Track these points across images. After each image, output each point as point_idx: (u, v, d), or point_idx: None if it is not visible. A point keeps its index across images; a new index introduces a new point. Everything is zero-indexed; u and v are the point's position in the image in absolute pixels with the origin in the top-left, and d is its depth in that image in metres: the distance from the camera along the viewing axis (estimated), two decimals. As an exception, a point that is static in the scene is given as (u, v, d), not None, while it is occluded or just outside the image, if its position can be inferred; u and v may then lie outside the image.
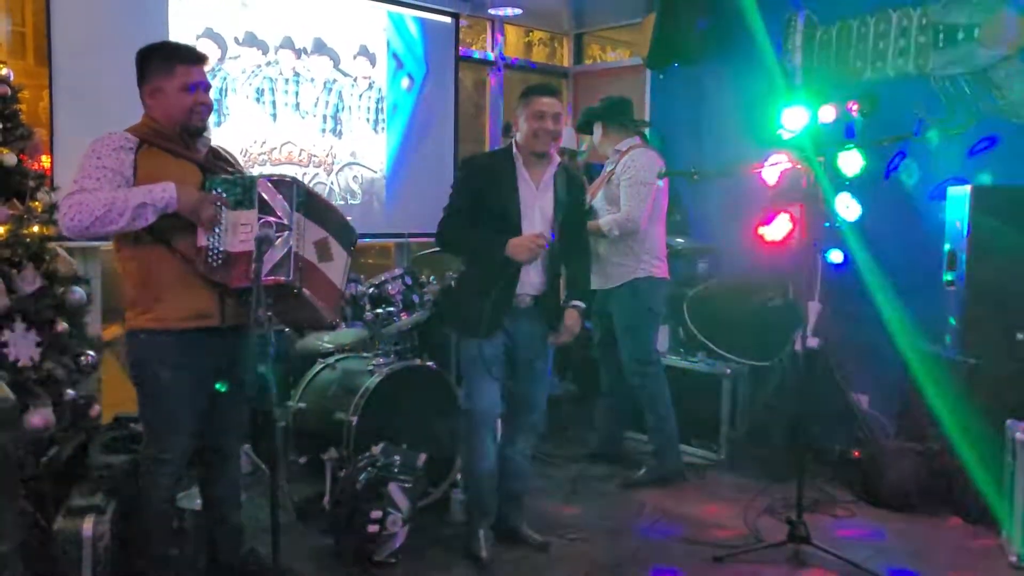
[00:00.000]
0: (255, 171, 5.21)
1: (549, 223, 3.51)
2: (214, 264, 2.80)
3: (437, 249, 3.80)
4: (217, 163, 3.01)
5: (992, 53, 4.55)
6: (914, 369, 4.45)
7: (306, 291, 2.84)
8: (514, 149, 3.52)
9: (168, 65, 2.89)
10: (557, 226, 3.53)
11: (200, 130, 2.97)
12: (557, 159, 3.59)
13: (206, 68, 3.00)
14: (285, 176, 2.92)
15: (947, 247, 4.32)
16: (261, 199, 2.80)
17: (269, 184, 2.82)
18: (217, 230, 2.79)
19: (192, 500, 3.39)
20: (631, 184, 4.36)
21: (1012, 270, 4.03)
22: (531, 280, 3.51)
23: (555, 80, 7.42)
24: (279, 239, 2.76)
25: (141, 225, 2.74)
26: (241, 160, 5.16)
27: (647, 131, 4.97)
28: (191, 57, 2.95)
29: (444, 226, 3.55)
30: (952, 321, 4.25)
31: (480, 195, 3.47)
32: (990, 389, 4.01)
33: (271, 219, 2.77)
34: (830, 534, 3.83)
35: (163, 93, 2.89)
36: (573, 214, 3.63)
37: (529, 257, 3.39)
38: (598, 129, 4.65)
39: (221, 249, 2.79)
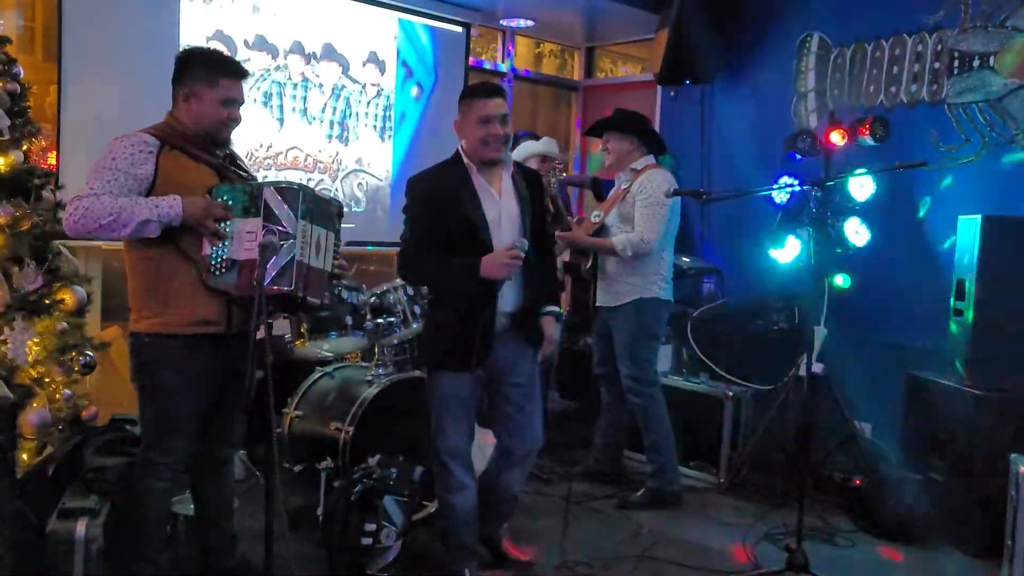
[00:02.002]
0: (260, 175, 5.22)
1: (519, 231, 3.25)
2: (216, 273, 2.79)
3: None
4: (232, 168, 3.00)
5: (1007, 82, 4.53)
6: (919, 398, 4.42)
7: (311, 299, 2.82)
8: (464, 159, 3.25)
9: (212, 75, 2.88)
10: (528, 232, 3.26)
11: (225, 143, 2.99)
12: (511, 161, 3.35)
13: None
14: (292, 184, 2.90)
15: (956, 276, 4.29)
16: (267, 207, 2.78)
17: (275, 192, 2.80)
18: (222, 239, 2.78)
19: (186, 506, 3.36)
20: (648, 205, 4.31)
21: (1021, 301, 3.99)
22: (507, 297, 3.24)
23: (566, 93, 7.43)
24: (282, 247, 2.74)
25: (145, 236, 2.74)
26: (246, 164, 5.17)
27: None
28: (237, 72, 2.96)
29: (407, 257, 3.28)
30: (959, 351, 4.21)
31: (440, 215, 3.19)
32: (996, 421, 3.97)
33: (276, 228, 2.75)
34: (829, 563, 3.78)
35: (199, 100, 2.87)
36: (535, 215, 3.35)
37: (507, 273, 3.12)
38: (626, 142, 4.50)
39: (225, 257, 2.78)
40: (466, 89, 3.34)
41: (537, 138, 5.61)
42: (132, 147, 2.76)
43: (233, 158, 3.06)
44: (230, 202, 2.79)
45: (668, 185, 4.28)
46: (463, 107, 3.23)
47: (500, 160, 3.25)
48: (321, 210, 2.95)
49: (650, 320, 4.43)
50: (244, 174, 3.04)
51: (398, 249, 3.34)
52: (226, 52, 3.20)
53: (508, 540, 3.75)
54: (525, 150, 5.09)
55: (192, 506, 3.28)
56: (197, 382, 2.90)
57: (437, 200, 3.21)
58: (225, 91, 2.89)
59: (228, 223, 2.79)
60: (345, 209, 3.38)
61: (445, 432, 3.31)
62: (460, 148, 3.29)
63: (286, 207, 2.78)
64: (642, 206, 4.32)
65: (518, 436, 3.45)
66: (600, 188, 5.01)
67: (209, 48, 3.07)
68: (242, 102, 2.97)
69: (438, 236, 3.20)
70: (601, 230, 4.51)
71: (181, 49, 2.99)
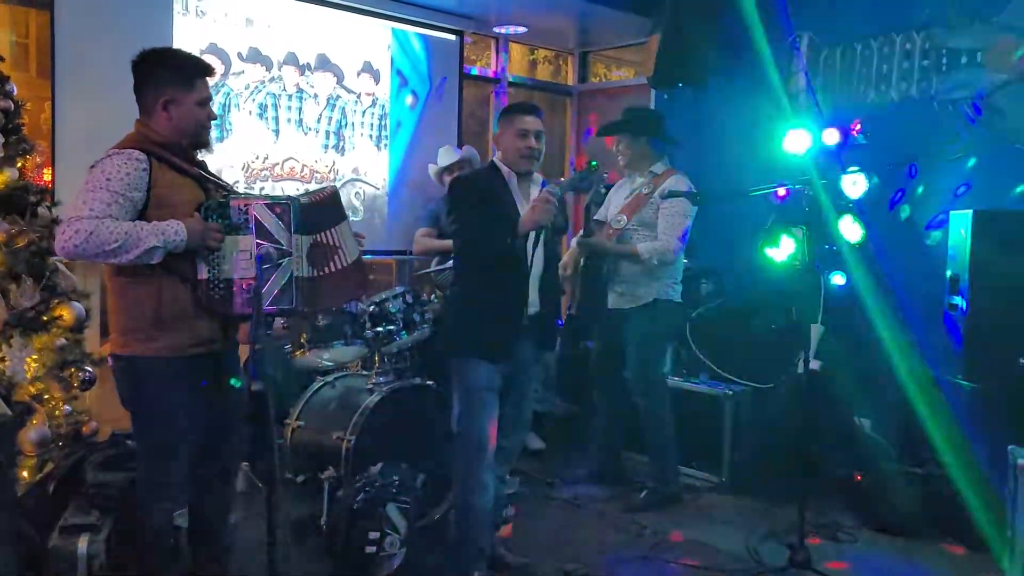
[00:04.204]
0: (256, 187, 5.23)
1: (538, 240, 3.43)
2: (215, 296, 2.76)
3: (444, 268, 3.68)
4: (210, 177, 2.92)
5: (995, 78, 4.55)
6: (917, 393, 4.43)
7: (319, 310, 2.84)
8: (504, 168, 3.45)
9: (187, 77, 2.81)
10: (543, 245, 3.47)
11: (206, 144, 2.93)
12: (540, 179, 3.54)
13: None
14: (280, 198, 2.87)
15: (950, 271, 4.30)
16: (258, 223, 2.76)
17: (264, 207, 2.78)
18: (215, 260, 2.75)
19: (184, 518, 3.35)
20: (675, 214, 4.37)
21: (1014, 295, 4.00)
22: (530, 300, 3.43)
23: (560, 98, 7.46)
24: (281, 264, 2.74)
25: (146, 262, 2.66)
26: (242, 176, 5.19)
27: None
28: (208, 70, 2.90)
29: (466, 244, 3.41)
30: (955, 346, 4.22)
31: (487, 212, 3.37)
32: (992, 414, 3.98)
33: (271, 246, 2.75)
34: (832, 559, 3.80)
35: (179, 106, 2.79)
36: (547, 230, 3.55)
37: (546, 218, 3.22)
38: (638, 144, 4.56)
39: (222, 278, 2.75)
40: (508, 106, 3.62)
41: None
42: (126, 166, 2.67)
43: (203, 167, 2.95)
44: (219, 220, 2.74)
45: (689, 191, 4.30)
46: (504, 121, 3.46)
47: (532, 172, 3.49)
48: (315, 214, 2.89)
49: (665, 321, 4.52)
50: (219, 180, 2.97)
51: (454, 243, 3.52)
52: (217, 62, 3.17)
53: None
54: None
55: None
56: (198, 401, 2.87)
57: (484, 198, 3.40)
58: (201, 92, 2.83)
59: (221, 243, 2.75)
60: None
61: (480, 424, 3.35)
62: (495, 159, 3.51)
63: (278, 222, 2.77)
64: (668, 214, 4.37)
65: (511, 432, 3.58)
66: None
67: (167, 49, 3.00)
68: (211, 99, 2.93)
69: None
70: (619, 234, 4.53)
71: (136, 55, 2.85)
